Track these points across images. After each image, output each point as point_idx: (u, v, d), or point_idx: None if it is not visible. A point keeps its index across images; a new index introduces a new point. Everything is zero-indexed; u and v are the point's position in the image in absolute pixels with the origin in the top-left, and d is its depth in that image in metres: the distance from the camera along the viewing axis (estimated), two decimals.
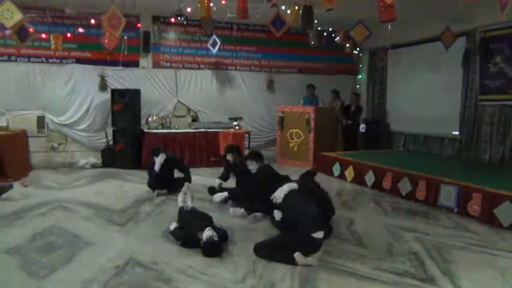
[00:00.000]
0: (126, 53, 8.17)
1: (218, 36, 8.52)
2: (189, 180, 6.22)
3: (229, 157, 5.83)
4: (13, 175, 6.67)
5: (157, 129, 8.33)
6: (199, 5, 5.38)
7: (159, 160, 6.00)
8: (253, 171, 5.14)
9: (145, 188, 6.22)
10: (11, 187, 5.75)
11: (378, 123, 9.98)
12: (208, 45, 8.64)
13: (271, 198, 3.91)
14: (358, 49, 9.71)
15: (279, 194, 3.85)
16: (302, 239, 3.54)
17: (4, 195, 5.58)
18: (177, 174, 6.34)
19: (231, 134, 8.29)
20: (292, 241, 3.58)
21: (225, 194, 5.51)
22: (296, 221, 3.67)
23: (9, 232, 4.28)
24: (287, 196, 3.83)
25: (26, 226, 4.47)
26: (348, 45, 9.11)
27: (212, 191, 5.81)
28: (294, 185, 3.90)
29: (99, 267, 3.42)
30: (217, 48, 8.69)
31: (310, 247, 3.53)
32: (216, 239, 3.75)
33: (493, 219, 4.77)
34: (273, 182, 4.33)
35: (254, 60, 9.79)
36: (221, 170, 6.22)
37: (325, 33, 9.47)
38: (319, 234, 3.54)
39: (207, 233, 3.73)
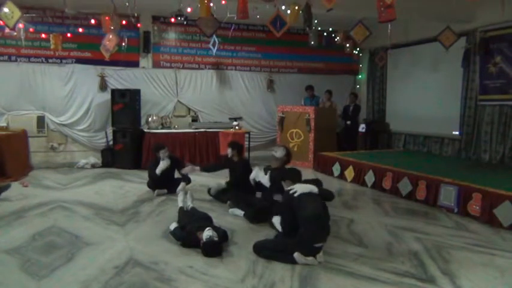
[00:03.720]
0: (126, 47, 8.09)
1: (217, 36, 8.53)
2: (189, 181, 6.24)
3: (228, 152, 5.79)
4: (13, 175, 6.67)
5: (157, 129, 8.32)
6: (199, 5, 5.38)
7: (162, 165, 5.93)
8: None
9: (145, 188, 6.22)
10: (8, 187, 5.73)
11: (377, 123, 9.99)
12: (210, 45, 8.67)
13: (288, 189, 3.83)
14: (358, 49, 9.72)
15: (299, 189, 3.75)
16: (302, 245, 3.54)
17: (3, 195, 5.58)
18: (177, 174, 6.33)
19: (231, 134, 8.28)
20: (293, 245, 3.57)
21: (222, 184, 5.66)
22: (301, 224, 3.61)
23: (9, 232, 4.28)
24: (304, 195, 3.73)
25: (26, 226, 4.47)
26: (348, 45, 9.12)
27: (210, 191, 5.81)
28: (315, 189, 3.80)
29: (99, 267, 3.42)
30: (216, 48, 8.72)
31: (310, 252, 3.54)
32: (216, 239, 3.75)
33: (493, 219, 4.77)
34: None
35: (254, 60, 9.80)
36: (221, 170, 6.15)
37: (325, 33, 9.47)
38: (319, 244, 3.58)
39: (207, 233, 3.73)
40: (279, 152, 5.14)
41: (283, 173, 4.32)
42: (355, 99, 9.72)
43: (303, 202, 3.68)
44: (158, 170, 5.92)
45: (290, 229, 3.78)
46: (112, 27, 5.49)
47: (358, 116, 9.76)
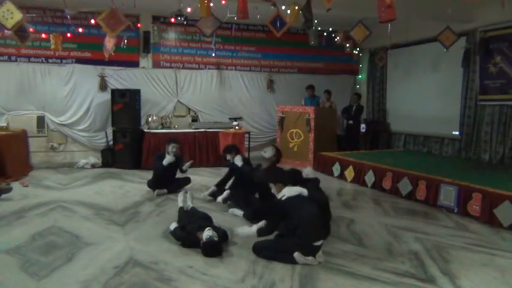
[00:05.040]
0: (125, 46, 8.07)
1: (217, 36, 8.54)
2: (189, 181, 6.24)
3: (229, 157, 5.79)
4: (13, 175, 6.67)
5: (157, 129, 8.32)
6: (199, 5, 5.37)
7: (169, 159, 5.90)
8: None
9: (145, 188, 6.22)
10: (9, 190, 5.71)
11: (378, 123, 10.00)
12: (212, 46, 8.69)
13: (277, 195, 3.79)
14: (358, 49, 9.71)
15: (287, 193, 3.72)
16: (302, 245, 3.54)
17: (4, 196, 5.57)
18: (178, 174, 6.32)
19: (231, 134, 8.29)
20: (292, 245, 3.57)
21: (226, 192, 5.52)
22: (298, 227, 3.59)
23: (9, 232, 4.28)
24: (294, 198, 3.70)
25: (26, 226, 4.47)
26: (348, 45, 9.11)
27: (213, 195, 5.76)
28: (304, 191, 3.77)
29: (99, 267, 3.42)
30: (215, 47, 8.76)
31: (310, 252, 3.54)
32: (216, 239, 3.75)
33: (493, 219, 4.77)
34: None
35: (254, 60, 9.79)
36: (221, 170, 6.17)
37: (325, 33, 9.47)
38: (318, 243, 3.58)
39: (207, 233, 3.72)
40: (268, 153, 5.13)
41: (274, 176, 4.07)
42: (359, 100, 9.72)
43: (292, 204, 3.64)
44: (165, 162, 5.88)
45: (271, 230, 3.80)
46: (111, 30, 5.45)
47: (361, 116, 9.76)
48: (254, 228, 3.83)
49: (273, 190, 3.95)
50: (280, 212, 3.73)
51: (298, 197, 3.71)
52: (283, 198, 3.68)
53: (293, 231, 3.62)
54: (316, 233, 3.61)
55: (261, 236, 3.80)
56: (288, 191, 3.72)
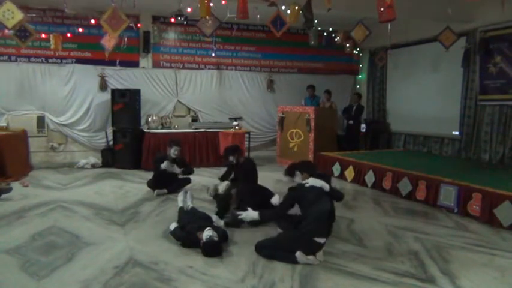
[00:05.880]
0: (124, 47, 8.06)
1: (217, 36, 8.54)
2: (189, 181, 6.24)
3: (232, 159, 5.73)
4: (13, 175, 6.67)
5: (157, 129, 8.32)
6: (199, 5, 5.37)
7: (165, 165, 5.83)
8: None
9: (145, 188, 6.22)
10: (9, 190, 5.72)
11: (378, 123, 10.00)
12: (213, 46, 8.71)
13: (302, 182, 3.83)
14: (358, 49, 9.71)
15: (311, 182, 3.76)
16: (304, 241, 3.55)
17: (4, 196, 5.57)
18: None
19: (231, 134, 8.28)
20: (294, 242, 3.59)
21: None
22: (305, 218, 3.63)
23: (9, 232, 4.29)
24: (316, 189, 3.73)
25: (26, 226, 4.47)
26: (348, 45, 9.11)
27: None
28: (326, 186, 3.81)
29: (99, 267, 3.42)
30: (214, 48, 8.80)
31: (311, 249, 3.56)
32: (216, 239, 3.75)
33: (493, 219, 4.77)
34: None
35: (254, 60, 9.79)
36: (221, 170, 6.17)
37: (325, 33, 9.47)
38: (321, 240, 3.59)
39: (207, 233, 3.73)
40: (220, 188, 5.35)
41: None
42: (359, 100, 9.72)
43: (311, 194, 3.69)
44: (163, 166, 5.85)
45: (280, 214, 3.87)
46: (112, 30, 5.45)
47: (361, 116, 9.77)
48: (256, 213, 3.93)
49: (298, 178, 4.00)
50: (296, 197, 3.78)
51: (320, 189, 3.76)
52: (307, 185, 3.75)
53: (299, 221, 3.65)
54: (320, 229, 3.62)
55: (263, 219, 3.93)
56: (313, 181, 3.79)
